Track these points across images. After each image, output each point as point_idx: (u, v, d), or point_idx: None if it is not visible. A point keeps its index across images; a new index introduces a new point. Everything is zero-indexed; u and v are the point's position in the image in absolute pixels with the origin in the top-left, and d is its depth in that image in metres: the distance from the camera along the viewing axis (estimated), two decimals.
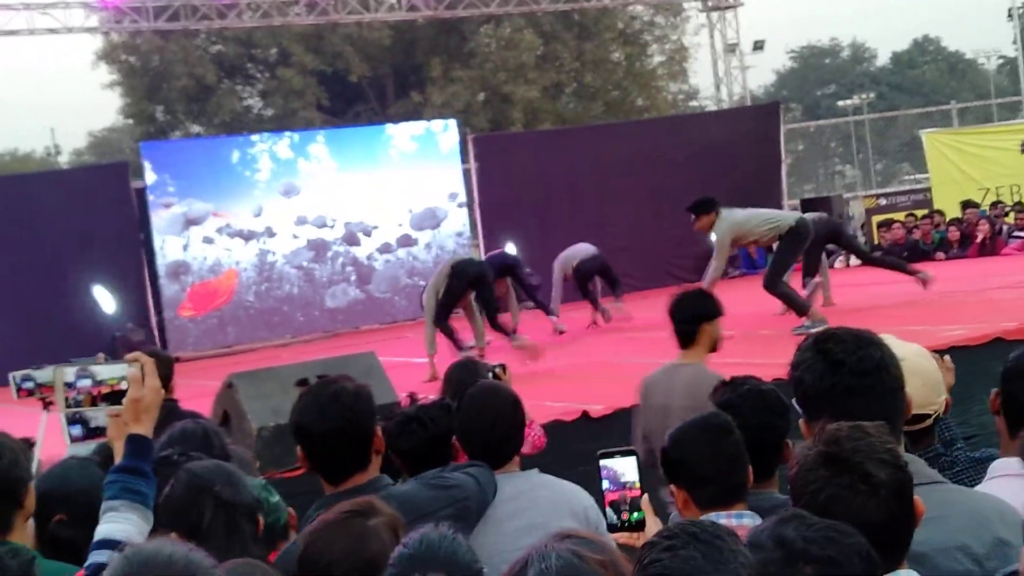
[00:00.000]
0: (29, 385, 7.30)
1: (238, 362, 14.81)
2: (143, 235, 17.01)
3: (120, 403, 2.89)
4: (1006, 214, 18.29)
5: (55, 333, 15.05)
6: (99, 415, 2.95)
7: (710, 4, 23.67)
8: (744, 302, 12.81)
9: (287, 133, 19.56)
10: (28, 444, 3.49)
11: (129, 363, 2.94)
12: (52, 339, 14.49)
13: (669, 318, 5.45)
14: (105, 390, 2.91)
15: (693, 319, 5.42)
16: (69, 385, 2.94)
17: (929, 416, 3.30)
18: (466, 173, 19.07)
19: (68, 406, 2.95)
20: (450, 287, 11.17)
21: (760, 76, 65.51)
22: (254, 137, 19.27)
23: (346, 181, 18.18)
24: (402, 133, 19.06)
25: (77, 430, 2.98)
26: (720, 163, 19.81)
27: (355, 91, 33.72)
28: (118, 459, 2.85)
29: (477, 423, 3.71)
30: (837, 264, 18.73)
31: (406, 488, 3.40)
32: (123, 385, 2.90)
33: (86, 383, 2.94)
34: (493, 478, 3.59)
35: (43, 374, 7.31)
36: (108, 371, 2.94)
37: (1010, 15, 31.42)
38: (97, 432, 3.00)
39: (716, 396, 3.56)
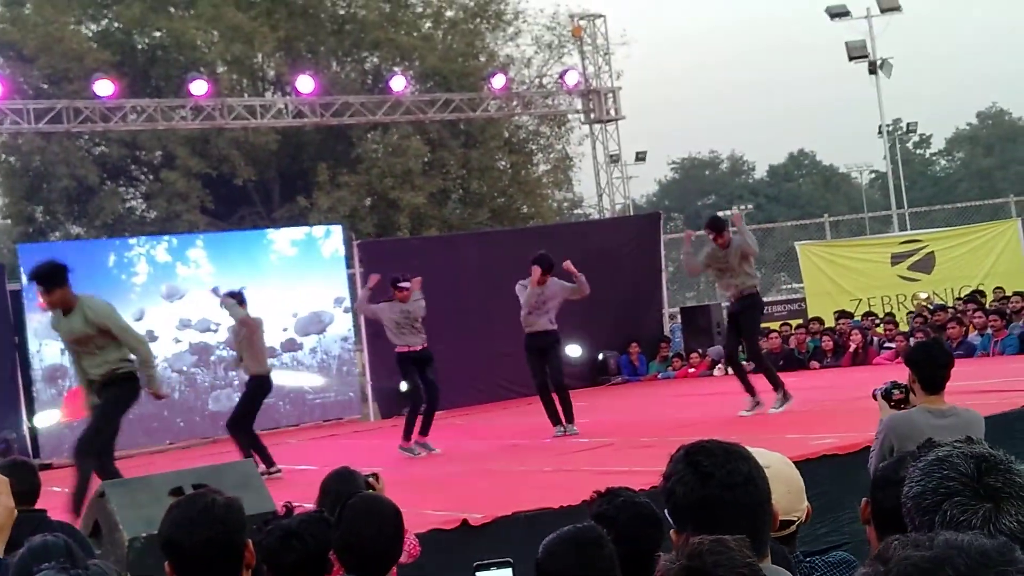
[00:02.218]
0: None
1: None
2: (17, 338, 16.63)
3: None
4: (877, 325, 18.84)
5: None
6: None
7: (592, 116, 24.20)
8: (629, 409, 12.97)
9: (165, 237, 19.37)
10: None
11: None
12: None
13: (925, 365, 5.68)
14: None
15: (949, 363, 5.67)
16: None
17: (792, 523, 3.41)
18: (351, 278, 19.05)
19: None
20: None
21: (643, 186, 67.08)
22: (131, 240, 19.06)
23: (226, 285, 18.01)
24: (283, 238, 19.02)
25: None
26: (604, 270, 20.04)
27: (240, 194, 33.59)
28: None
29: (358, 536, 3.68)
30: (716, 372, 19.08)
31: None
32: None
33: None
34: None
35: None
36: None
37: (880, 132, 32.67)
38: None
39: (591, 507, 3.62)
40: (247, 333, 12.43)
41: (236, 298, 12.70)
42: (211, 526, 3.18)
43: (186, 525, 3.20)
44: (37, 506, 5.62)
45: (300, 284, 18.51)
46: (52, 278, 9.37)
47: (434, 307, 18.86)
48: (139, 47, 34.03)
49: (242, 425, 12.26)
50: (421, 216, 32.51)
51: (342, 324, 18.95)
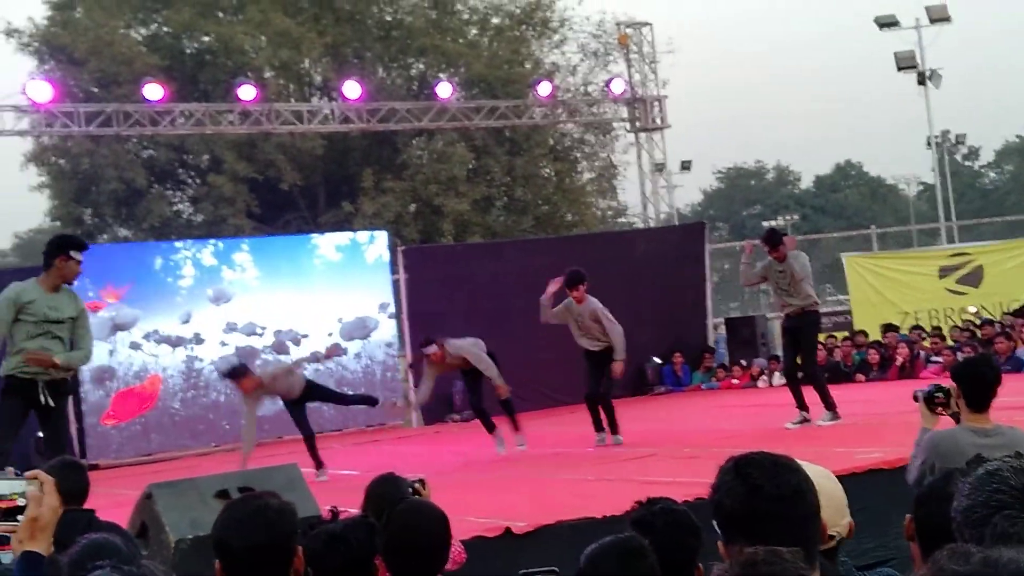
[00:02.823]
0: None
1: (158, 471, 14.57)
2: None
3: (15, 519, 2.86)
4: (924, 339, 18.67)
5: None
6: None
7: (638, 125, 24.17)
8: (672, 419, 12.94)
9: (211, 241, 19.49)
10: None
11: (29, 480, 2.91)
12: None
13: (971, 382, 5.62)
14: (3, 505, 2.88)
15: (997, 381, 5.60)
16: None
17: (833, 538, 3.39)
18: (395, 284, 19.12)
19: None
20: None
21: (687, 195, 66.90)
22: (178, 244, 19.22)
23: (272, 289, 18.15)
24: (327, 243, 19.10)
25: None
26: (647, 279, 20.07)
27: (286, 199, 33.80)
28: None
29: (405, 541, 3.69)
30: (760, 383, 18.99)
31: None
32: (20, 501, 2.87)
33: None
34: None
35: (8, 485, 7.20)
36: (6, 486, 2.91)
37: (929, 143, 32.39)
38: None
39: (629, 514, 3.62)
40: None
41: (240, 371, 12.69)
42: (263, 529, 3.20)
43: (238, 527, 3.22)
44: (84, 506, 5.65)
45: (344, 289, 18.58)
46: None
47: (478, 314, 18.97)
48: (188, 52, 34.33)
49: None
50: (465, 223, 32.56)
51: (387, 330, 19.01)
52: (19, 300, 8.99)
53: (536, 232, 33.34)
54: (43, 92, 19.52)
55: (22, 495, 2.87)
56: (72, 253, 9.07)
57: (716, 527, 2.79)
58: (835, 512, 3.40)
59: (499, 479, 10.92)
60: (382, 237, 19.71)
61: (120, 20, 33.64)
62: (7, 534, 2.92)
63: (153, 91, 20.14)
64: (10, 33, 33.25)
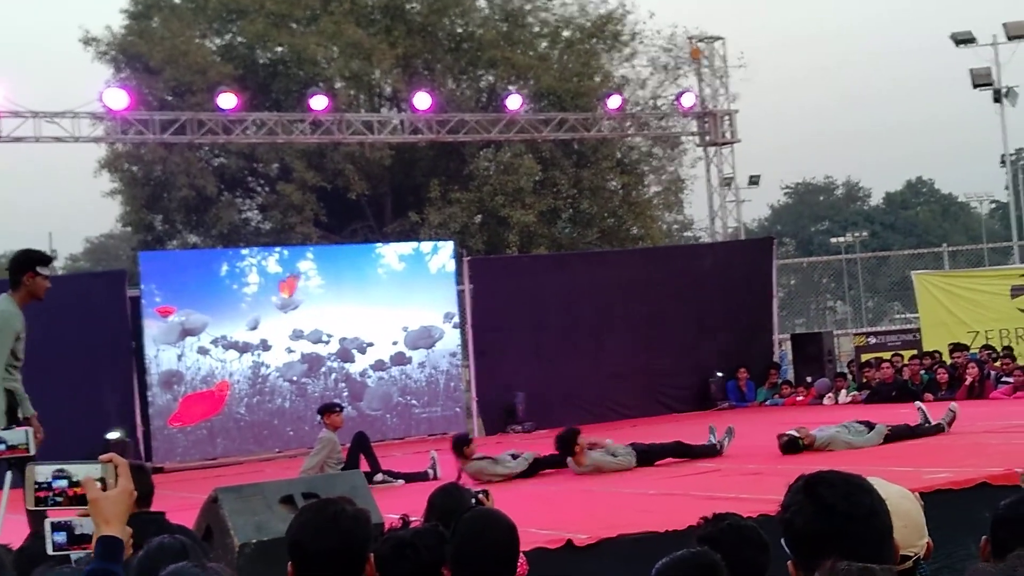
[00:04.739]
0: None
1: (222, 475, 14.74)
2: (135, 343, 17.03)
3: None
4: (994, 359, 18.39)
5: (45, 438, 14.91)
6: (84, 522, 2.94)
7: (708, 139, 24.07)
8: (736, 435, 12.85)
9: (276, 248, 19.68)
10: None
11: (103, 463, 2.92)
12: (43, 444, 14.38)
13: None
14: (80, 491, 2.90)
15: None
16: (42, 485, 2.93)
17: (909, 558, 3.33)
18: (460, 294, 19.18)
19: (41, 505, 2.94)
20: None
21: (755, 210, 66.42)
22: (244, 251, 19.46)
23: (336, 297, 18.28)
24: (391, 252, 19.21)
25: (61, 537, 2.95)
26: (713, 294, 19.96)
27: (353, 208, 34.00)
28: None
29: (474, 550, 3.68)
30: (826, 401, 18.80)
31: None
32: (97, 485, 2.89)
33: (62, 483, 2.93)
34: None
35: (14, 436, 7.33)
36: (84, 470, 2.92)
37: (1003, 161, 31.95)
38: (83, 540, 2.97)
39: (696, 531, 3.59)
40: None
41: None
42: (338, 535, 3.23)
43: (314, 531, 3.26)
44: (152, 509, 5.70)
45: (408, 298, 18.68)
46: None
47: (543, 327, 18.98)
48: (261, 62, 34.67)
49: None
50: (530, 234, 32.56)
51: (451, 340, 19.07)
52: (16, 328, 8.35)
53: (601, 245, 33.28)
54: (119, 100, 19.82)
55: (101, 480, 2.90)
56: (39, 269, 8.50)
57: (785, 546, 2.76)
58: (912, 532, 3.35)
59: (560, 491, 10.90)
60: (446, 247, 19.78)
61: (195, 30, 34.09)
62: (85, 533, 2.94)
63: (226, 100, 20.38)
64: (88, 42, 33.82)
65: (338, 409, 13.17)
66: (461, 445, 12.19)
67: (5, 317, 8.33)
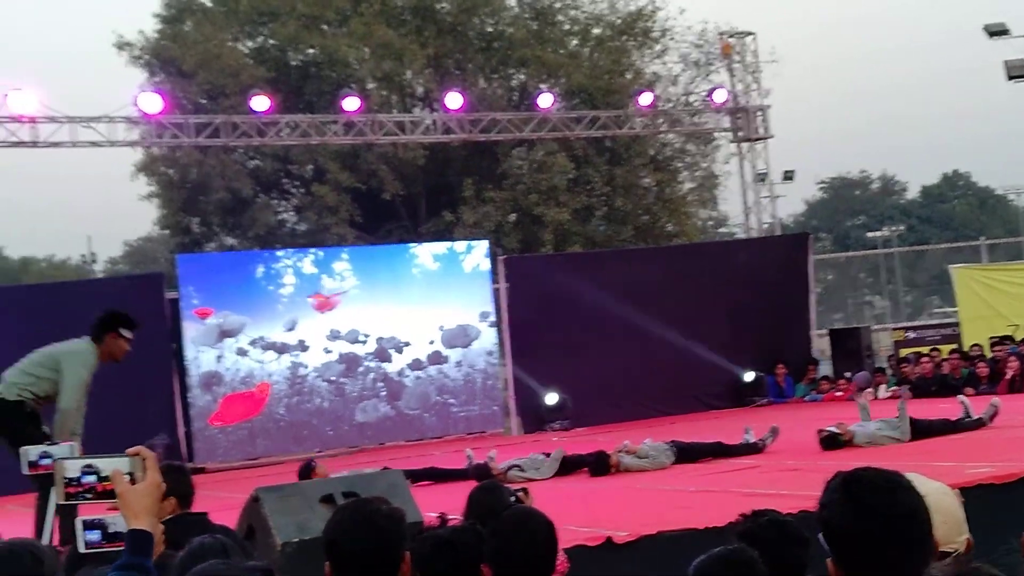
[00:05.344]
0: (46, 461, 7.33)
1: (263, 475, 14.82)
2: (175, 345, 17.15)
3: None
4: None
5: (84, 439, 15.06)
6: (118, 520, 2.96)
7: (740, 135, 23.98)
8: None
9: (312, 250, 19.78)
10: None
11: (130, 456, 2.93)
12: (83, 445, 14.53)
13: None
14: (109, 486, 2.92)
15: None
16: (71, 481, 2.94)
17: (949, 555, 3.31)
18: (495, 292, 19.19)
19: (72, 500, 2.96)
20: None
21: (790, 205, 66.08)
22: (279, 252, 19.57)
23: (372, 297, 18.34)
24: (425, 252, 19.25)
25: (95, 535, 2.96)
26: (749, 290, 19.88)
27: (388, 209, 34.11)
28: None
29: (513, 548, 3.69)
30: (864, 397, 18.68)
31: None
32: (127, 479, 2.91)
33: (91, 479, 2.94)
34: None
35: (59, 449, 7.42)
36: (112, 464, 2.94)
37: None
38: (116, 538, 2.98)
39: (735, 527, 3.59)
40: None
41: None
42: (373, 534, 3.25)
43: (349, 530, 3.28)
44: (195, 509, 5.75)
45: (443, 298, 18.72)
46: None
47: (578, 324, 18.97)
48: (293, 64, 34.83)
49: None
50: (565, 232, 32.56)
51: (487, 338, 19.10)
52: (91, 373, 8.99)
53: (636, 242, 33.24)
54: (153, 104, 19.96)
55: (129, 474, 2.91)
56: (122, 331, 8.87)
57: (823, 542, 2.74)
58: (952, 528, 3.33)
59: (598, 488, 10.91)
60: (480, 247, 19.80)
61: (228, 33, 34.29)
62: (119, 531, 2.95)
63: (260, 103, 20.48)
64: (122, 46, 34.11)
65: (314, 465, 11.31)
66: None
67: (86, 358, 8.73)
